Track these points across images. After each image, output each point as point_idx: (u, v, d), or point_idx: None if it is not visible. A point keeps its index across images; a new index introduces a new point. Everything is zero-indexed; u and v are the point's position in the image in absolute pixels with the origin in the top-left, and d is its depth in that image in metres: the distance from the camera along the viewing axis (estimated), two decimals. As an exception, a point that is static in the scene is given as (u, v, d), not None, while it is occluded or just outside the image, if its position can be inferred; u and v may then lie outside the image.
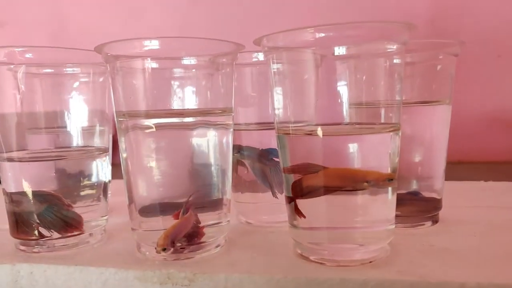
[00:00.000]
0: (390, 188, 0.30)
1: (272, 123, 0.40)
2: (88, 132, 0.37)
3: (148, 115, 0.31)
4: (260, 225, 0.39)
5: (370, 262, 0.30)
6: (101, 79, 0.37)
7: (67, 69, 0.36)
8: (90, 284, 0.31)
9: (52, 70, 0.35)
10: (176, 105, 0.32)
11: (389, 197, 0.30)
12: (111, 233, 0.38)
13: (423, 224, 0.37)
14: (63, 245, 0.34)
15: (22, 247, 0.35)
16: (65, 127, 0.36)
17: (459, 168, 0.74)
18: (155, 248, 0.31)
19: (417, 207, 0.37)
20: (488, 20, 0.82)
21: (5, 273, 0.32)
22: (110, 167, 0.40)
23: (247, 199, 0.40)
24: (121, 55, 0.31)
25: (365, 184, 0.29)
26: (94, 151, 0.37)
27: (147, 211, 0.32)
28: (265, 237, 0.36)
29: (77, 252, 0.34)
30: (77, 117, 0.36)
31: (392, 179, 0.29)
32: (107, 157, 0.38)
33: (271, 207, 0.39)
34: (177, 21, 1.00)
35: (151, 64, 0.31)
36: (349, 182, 0.29)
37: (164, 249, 0.31)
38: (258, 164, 0.39)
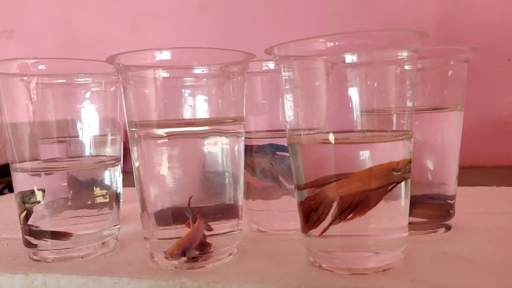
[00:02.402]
0: (403, 195, 0.29)
1: (282, 130, 0.40)
2: (100, 141, 0.37)
3: (160, 125, 0.31)
4: (272, 233, 0.39)
5: (384, 270, 0.29)
6: (112, 89, 0.38)
7: (79, 79, 0.36)
8: (103, 294, 0.31)
9: (64, 81, 0.36)
10: (187, 114, 0.32)
11: (402, 203, 0.30)
12: (123, 242, 0.38)
13: (436, 231, 0.37)
14: (77, 255, 0.35)
15: (35, 257, 0.35)
16: (78, 136, 0.37)
17: (470, 172, 0.73)
18: (164, 252, 0.31)
19: (432, 211, 0.36)
20: (497, 24, 0.82)
21: (19, 282, 0.32)
22: (121, 175, 0.40)
23: (258, 206, 0.40)
24: (132, 66, 0.32)
25: (394, 173, 0.29)
26: (107, 160, 0.37)
27: (160, 220, 0.32)
28: (277, 245, 0.36)
29: (90, 261, 0.34)
30: (89, 126, 0.37)
31: (410, 162, 0.30)
32: (119, 166, 0.38)
33: (282, 215, 0.39)
34: (185, 29, 1.00)
35: (162, 74, 0.31)
36: (376, 180, 0.29)
37: (172, 256, 0.31)
38: (259, 160, 0.39)
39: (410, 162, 0.30)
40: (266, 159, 0.39)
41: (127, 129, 0.33)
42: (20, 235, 0.39)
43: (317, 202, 0.31)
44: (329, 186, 0.30)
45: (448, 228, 0.38)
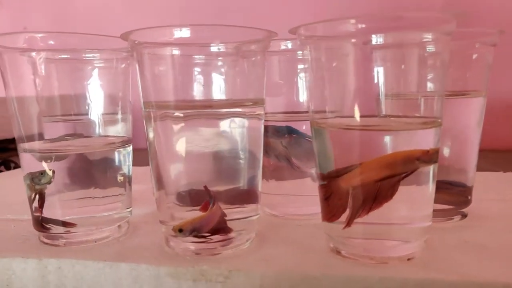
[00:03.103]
0: (430, 183, 0.29)
1: (298, 112, 0.39)
2: (110, 120, 0.36)
3: (178, 106, 0.30)
4: (286, 218, 0.39)
5: (408, 259, 0.29)
6: (123, 65, 0.36)
7: (88, 54, 0.34)
8: (121, 280, 0.30)
9: (73, 56, 0.34)
10: (207, 94, 0.30)
11: (429, 191, 0.29)
12: (134, 225, 0.38)
13: (452, 218, 0.37)
14: (89, 239, 0.34)
15: (46, 240, 0.34)
16: (86, 114, 0.35)
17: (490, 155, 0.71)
18: (172, 227, 0.30)
19: (452, 197, 0.36)
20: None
21: (32, 267, 0.31)
22: (132, 156, 0.38)
23: (272, 190, 0.39)
24: (149, 43, 0.30)
25: (417, 162, 0.28)
26: (119, 140, 0.35)
27: (177, 203, 0.31)
28: (294, 230, 0.36)
29: (104, 246, 0.33)
30: (98, 104, 0.35)
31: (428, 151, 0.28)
32: (131, 146, 0.37)
33: (296, 199, 0.39)
34: (181, 3, 0.97)
35: (181, 52, 0.30)
36: (400, 167, 0.28)
37: (180, 230, 0.30)
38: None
39: (437, 152, 0.29)
40: (281, 141, 0.38)
41: (142, 108, 0.32)
42: (26, 217, 0.38)
43: (335, 190, 0.30)
44: (348, 174, 0.29)
45: (464, 215, 0.37)
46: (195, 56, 0.31)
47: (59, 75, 0.33)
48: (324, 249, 0.32)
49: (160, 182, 0.32)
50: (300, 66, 0.38)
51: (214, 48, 0.30)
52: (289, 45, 0.37)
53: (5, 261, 0.31)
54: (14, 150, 0.35)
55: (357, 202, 0.29)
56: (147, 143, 0.32)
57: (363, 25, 0.27)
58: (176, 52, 0.30)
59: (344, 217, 0.29)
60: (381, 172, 0.28)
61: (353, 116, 0.29)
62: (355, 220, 0.29)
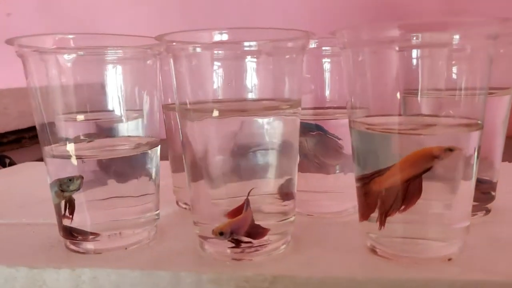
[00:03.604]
0: (471, 181, 0.29)
1: (326, 108, 0.39)
2: (137, 119, 0.34)
3: (215, 105, 0.29)
4: (314, 216, 0.39)
5: (449, 259, 0.29)
6: (149, 62, 0.34)
7: (114, 52, 0.33)
8: (161, 289, 0.29)
9: (100, 55, 0.32)
10: (244, 94, 0.30)
11: (470, 189, 0.29)
12: (160, 229, 0.37)
13: (476, 214, 0.37)
14: (120, 246, 0.33)
15: (74, 247, 0.33)
16: (114, 113, 0.33)
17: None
18: (212, 231, 0.30)
19: (480, 194, 0.36)
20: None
21: (64, 277, 0.30)
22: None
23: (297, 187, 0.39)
24: (186, 45, 0.29)
25: (436, 159, 0.28)
26: (149, 140, 0.34)
27: (216, 205, 0.31)
28: (326, 230, 0.36)
29: (136, 252, 0.32)
30: (126, 102, 0.33)
31: (452, 150, 0.28)
32: (159, 146, 0.35)
33: (322, 197, 0.39)
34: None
35: (220, 53, 0.29)
36: (421, 165, 0.28)
37: (221, 233, 0.30)
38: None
39: (452, 150, 0.29)
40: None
41: (178, 107, 0.31)
42: (42, 220, 0.39)
43: (368, 192, 0.30)
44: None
45: (488, 210, 0.38)
46: (234, 56, 0.30)
47: (86, 74, 0.32)
48: (362, 249, 0.32)
49: (197, 183, 0.31)
50: (326, 64, 0.38)
51: (254, 48, 0.29)
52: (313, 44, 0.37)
53: (35, 272, 0.30)
54: (8, 144, 0.33)
55: (387, 203, 0.29)
56: (183, 143, 0.31)
57: (407, 31, 0.27)
58: (214, 52, 0.29)
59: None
60: (406, 172, 0.28)
61: (394, 117, 0.29)
62: (393, 220, 0.29)
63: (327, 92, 0.39)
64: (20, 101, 0.85)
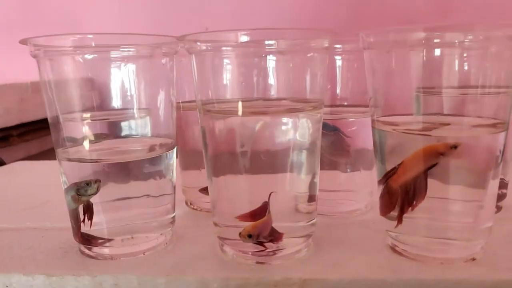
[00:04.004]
0: (496, 182, 0.29)
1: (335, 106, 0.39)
2: (153, 119, 0.33)
3: (238, 104, 0.29)
4: (329, 216, 0.38)
5: (473, 259, 0.30)
6: (163, 61, 0.33)
7: (129, 50, 0.32)
8: (188, 295, 0.29)
9: (120, 54, 0.31)
10: (267, 93, 0.29)
11: (493, 189, 0.29)
12: (174, 231, 0.36)
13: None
14: (137, 250, 0.32)
15: (89, 252, 0.32)
16: (128, 112, 0.32)
17: None
18: (240, 233, 0.29)
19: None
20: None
21: (84, 285, 0.29)
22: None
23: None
24: (209, 45, 0.28)
25: (441, 156, 0.28)
26: (166, 142, 0.33)
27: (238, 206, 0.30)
28: (344, 230, 0.35)
29: (155, 257, 0.32)
30: (141, 102, 0.32)
31: (456, 147, 0.28)
32: (175, 148, 0.35)
33: (336, 196, 0.39)
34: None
35: (242, 53, 0.28)
36: (427, 161, 0.28)
37: (250, 236, 0.29)
38: None
39: (456, 147, 0.28)
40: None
41: (199, 107, 0.30)
42: (49, 224, 0.38)
43: (387, 190, 0.31)
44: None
45: (499, 208, 0.38)
46: (257, 55, 0.29)
47: (100, 73, 0.31)
48: (383, 248, 0.32)
49: (220, 184, 0.30)
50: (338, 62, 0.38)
51: (276, 47, 0.28)
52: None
53: (53, 280, 0.29)
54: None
55: (401, 200, 0.30)
56: (205, 142, 0.30)
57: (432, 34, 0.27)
58: (236, 52, 0.28)
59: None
60: (415, 169, 0.29)
61: (419, 116, 0.29)
62: (417, 217, 0.29)
63: (338, 90, 0.39)
64: (6, 98, 0.82)
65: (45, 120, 0.94)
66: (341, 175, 0.39)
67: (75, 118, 0.31)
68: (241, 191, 0.30)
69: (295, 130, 0.29)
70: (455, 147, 0.28)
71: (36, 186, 0.52)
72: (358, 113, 0.38)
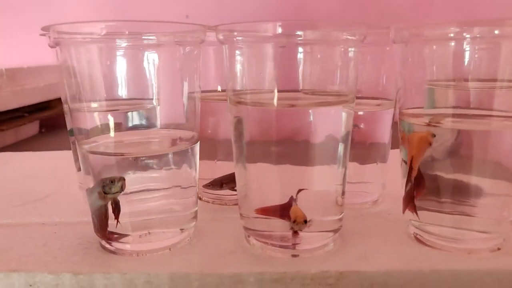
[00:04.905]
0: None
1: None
2: (175, 111, 0.32)
3: (274, 95, 0.28)
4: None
5: (499, 249, 0.30)
6: (188, 49, 0.32)
7: (148, 38, 0.30)
8: (223, 290, 0.28)
9: (138, 42, 0.30)
10: (304, 85, 0.29)
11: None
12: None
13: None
14: (162, 246, 0.31)
15: (111, 248, 0.31)
16: (149, 102, 0.31)
17: None
18: (294, 221, 0.29)
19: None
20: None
21: (114, 283, 0.28)
22: None
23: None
24: (246, 37, 0.28)
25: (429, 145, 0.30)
26: (191, 134, 0.32)
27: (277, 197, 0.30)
28: (364, 221, 0.36)
29: (181, 252, 0.31)
30: (163, 92, 0.31)
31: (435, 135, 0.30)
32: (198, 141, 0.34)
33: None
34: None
35: (278, 44, 0.28)
36: (423, 150, 0.30)
37: (306, 221, 0.29)
38: None
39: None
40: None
41: (230, 97, 0.29)
42: (57, 219, 0.37)
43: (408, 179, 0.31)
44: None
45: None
46: (289, 48, 0.29)
47: (124, 62, 0.30)
48: (408, 240, 0.32)
49: (254, 177, 0.30)
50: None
51: (312, 39, 0.28)
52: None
53: (81, 278, 0.28)
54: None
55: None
56: (236, 133, 0.30)
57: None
58: (271, 44, 0.28)
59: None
60: (417, 158, 0.30)
61: (448, 108, 0.30)
62: (443, 210, 0.30)
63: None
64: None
65: (21, 109, 0.90)
66: (357, 167, 0.39)
67: (101, 107, 0.29)
68: (276, 183, 0.30)
69: (332, 123, 0.29)
70: (433, 135, 0.29)
71: (29, 178, 0.50)
72: (371, 106, 0.38)
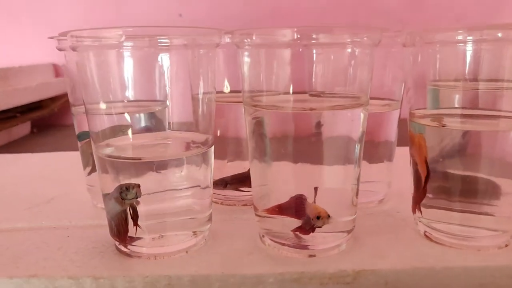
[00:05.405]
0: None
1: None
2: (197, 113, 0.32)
3: (291, 97, 0.29)
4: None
5: (506, 245, 0.32)
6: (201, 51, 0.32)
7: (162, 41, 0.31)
8: (243, 291, 0.29)
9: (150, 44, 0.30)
10: (319, 87, 0.29)
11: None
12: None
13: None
14: (179, 249, 0.31)
15: (126, 250, 0.31)
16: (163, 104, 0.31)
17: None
18: (318, 217, 0.29)
19: None
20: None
21: (134, 286, 0.28)
22: None
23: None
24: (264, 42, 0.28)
25: None
26: (209, 137, 0.33)
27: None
28: (374, 220, 0.37)
29: (199, 254, 0.31)
30: (174, 94, 0.31)
31: None
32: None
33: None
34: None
35: (294, 48, 0.29)
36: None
37: (329, 216, 0.29)
38: None
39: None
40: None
41: (246, 100, 0.30)
42: (67, 222, 0.37)
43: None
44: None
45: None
46: (309, 51, 0.29)
47: (137, 64, 0.30)
48: (419, 237, 0.33)
49: (276, 176, 0.31)
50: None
51: (327, 43, 0.29)
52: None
53: (102, 282, 0.28)
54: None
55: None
56: (255, 134, 0.31)
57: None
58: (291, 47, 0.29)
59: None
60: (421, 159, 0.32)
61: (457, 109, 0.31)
62: (452, 208, 0.31)
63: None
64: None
65: (13, 110, 0.88)
66: (365, 166, 0.40)
67: (117, 109, 0.29)
68: (295, 182, 0.31)
69: (351, 124, 0.30)
70: None
71: (30, 181, 0.50)
72: (379, 106, 0.39)
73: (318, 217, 0.29)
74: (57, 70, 1.07)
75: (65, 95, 1.19)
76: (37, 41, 0.95)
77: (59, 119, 1.04)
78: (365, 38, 0.29)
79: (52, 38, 0.36)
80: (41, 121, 0.98)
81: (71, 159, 0.58)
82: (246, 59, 0.29)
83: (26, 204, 0.42)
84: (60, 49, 0.37)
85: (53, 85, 1.03)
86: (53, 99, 1.03)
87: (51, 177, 0.51)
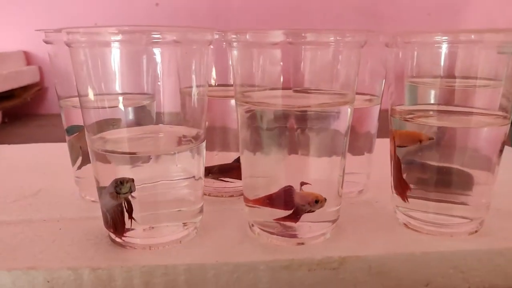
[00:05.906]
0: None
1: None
2: (191, 107, 0.33)
3: (282, 93, 0.31)
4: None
5: (476, 231, 0.34)
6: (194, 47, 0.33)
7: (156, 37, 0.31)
8: (239, 279, 0.30)
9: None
10: (304, 85, 0.31)
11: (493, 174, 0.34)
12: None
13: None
14: (173, 239, 0.32)
15: (120, 241, 0.32)
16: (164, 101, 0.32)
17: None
18: (316, 200, 0.31)
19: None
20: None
21: (132, 276, 0.29)
22: None
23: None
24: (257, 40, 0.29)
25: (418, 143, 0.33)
26: (197, 132, 0.34)
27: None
28: (356, 209, 0.39)
29: (192, 245, 0.32)
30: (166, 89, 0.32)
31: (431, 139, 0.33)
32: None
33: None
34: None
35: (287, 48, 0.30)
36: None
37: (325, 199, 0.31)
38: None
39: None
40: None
41: (238, 97, 0.31)
42: (59, 215, 0.38)
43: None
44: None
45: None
46: (299, 50, 0.30)
47: (131, 58, 0.30)
48: (398, 226, 0.35)
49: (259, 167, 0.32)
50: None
51: (318, 43, 0.30)
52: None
53: (100, 272, 0.29)
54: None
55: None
56: (246, 127, 0.32)
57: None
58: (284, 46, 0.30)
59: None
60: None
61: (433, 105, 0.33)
62: (429, 197, 0.34)
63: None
64: None
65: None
66: (348, 158, 0.42)
67: (111, 103, 0.30)
68: (286, 173, 0.32)
69: (340, 119, 0.32)
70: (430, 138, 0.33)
71: (12, 173, 0.49)
72: (360, 101, 0.41)
73: (316, 201, 0.30)
74: (28, 58, 1.04)
75: (37, 84, 1.16)
76: (6, 28, 0.92)
77: (31, 108, 1.03)
78: (353, 39, 0.31)
79: (39, 30, 0.36)
80: (13, 110, 0.96)
81: (52, 150, 0.58)
82: (238, 56, 0.31)
83: (13, 197, 0.42)
84: (47, 42, 0.37)
85: (25, 73, 1.01)
86: (25, 88, 1.01)
87: (34, 169, 0.51)
